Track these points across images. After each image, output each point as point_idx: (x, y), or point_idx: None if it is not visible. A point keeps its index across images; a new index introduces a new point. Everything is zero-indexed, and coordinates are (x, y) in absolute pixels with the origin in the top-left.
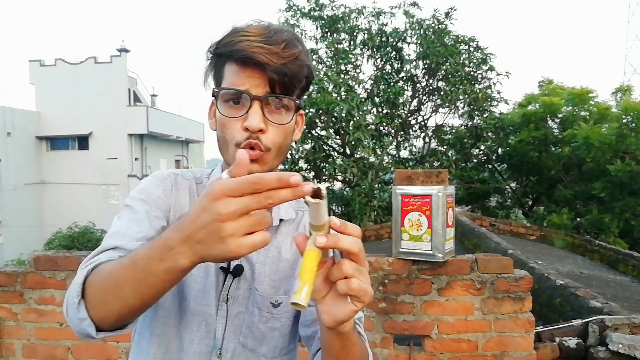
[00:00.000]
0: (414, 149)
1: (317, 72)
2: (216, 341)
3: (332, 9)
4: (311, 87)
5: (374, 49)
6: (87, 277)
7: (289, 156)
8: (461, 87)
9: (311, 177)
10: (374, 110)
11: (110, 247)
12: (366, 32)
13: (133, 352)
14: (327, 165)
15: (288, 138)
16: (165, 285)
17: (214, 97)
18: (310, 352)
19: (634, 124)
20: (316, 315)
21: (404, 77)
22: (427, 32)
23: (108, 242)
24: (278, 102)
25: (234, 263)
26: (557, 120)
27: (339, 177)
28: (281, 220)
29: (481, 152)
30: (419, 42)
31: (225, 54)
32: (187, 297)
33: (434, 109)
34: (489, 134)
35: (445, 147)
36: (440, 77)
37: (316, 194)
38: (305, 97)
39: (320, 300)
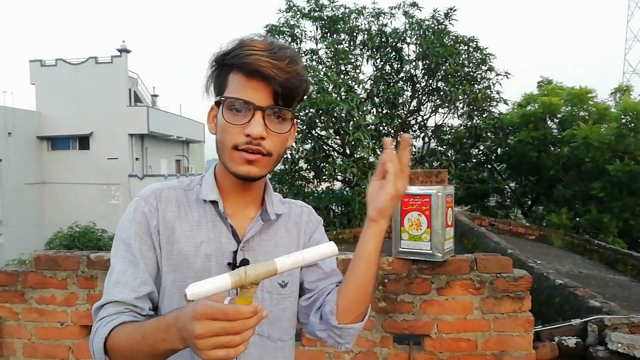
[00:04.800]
0: (414, 149)
1: (317, 73)
2: None
3: (332, 9)
4: (311, 87)
5: (374, 50)
6: (107, 338)
7: (289, 156)
8: (460, 87)
9: (311, 177)
10: (374, 110)
11: (114, 300)
12: (366, 32)
13: None
14: (327, 165)
15: (285, 146)
16: (169, 354)
17: (215, 103)
18: (314, 307)
19: (633, 124)
20: (333, 267)
21: (404, 78)
22: (426, 33)
23: (112, 292)
24: (278, 112)
25: (239, 257)
26: (556, 121)
27: (339, 177)
28: (277, 214)
29: (480, 152)
30: (418, 42)
31: (234, 64)
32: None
33: (433, 109)
34: (488, 134)
35: (444, 147)
36: (440, 78)
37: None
38: (305, 97)
39: (371, 201)
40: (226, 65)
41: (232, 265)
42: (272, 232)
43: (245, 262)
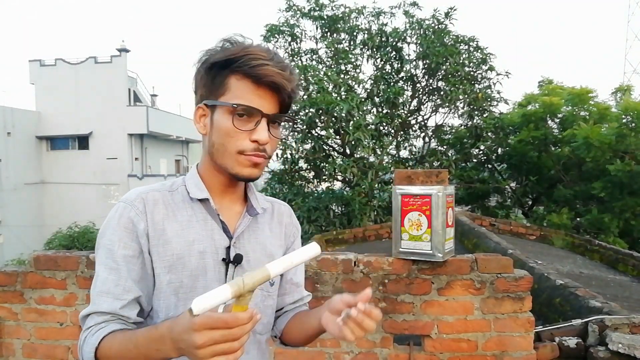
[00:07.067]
0: (414, 149)
1: (317, 72)
2: None
3: (332, 9)
4: (311, 87)
5: (374, 49)
6: (97, 348)
7: (288, 156)
8: (461, 87)
9: (311, 177)
10: (374, 110)
11: (99, 311)
12: (366, 32)
13: None
14: (327, 165)
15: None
16: None
17: (207, 105)
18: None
19: (633, 124)
20: (299, 280)
21: (404, 77)
22: (427, 32)
23: (97, 302)
24: (278, 119)
25: (232, 253)
26: (557, 120)
27: (339, 177)
28: (263, 209)
29: (481, 152)
30: (418, 42)
31: (240, 71)
32: (190, 299)
33: (433, 108)
34: (489, 133)
35: (445, 147)
36: (440, 77)
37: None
38: (305, 97)
39: (331, 313)
40: (227, 69)
41: (227, 261)
42: (260, 230)
43: (238, 257)
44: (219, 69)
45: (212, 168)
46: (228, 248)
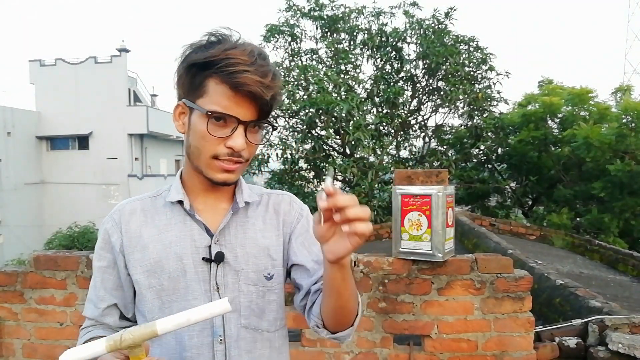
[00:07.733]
0: (414, 149)
1: (317, 72)
2: (215, 329)
3: (332, 9)
4: (311, 87)
5: (374, 49)
6: None
7: (288, 156)
8: (461, 87)
9: (311, 177)
10: (374, 110)
11: (86, 316)
12: (366, 32)
13: None
14: (327, 165)
15: (257, 149)
16: None
17: (183, 103)
18: (307, 305)
19: (633, 124)
20: (320, 258)
21: (404, 77)
22: (427, 32)
23: (85, 306)
24: (256, 125)
25: (214, 251)
26: (557, 120)
27: (339, 177)
28: (246, 202)
29: (481, 152)
30: (418, 42)
31: (220, 75)
32: (174, 300)
33: (433, 108)
34: (489, 133)
35: (445, 147)
36: (440, 77)
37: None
38: (305, 97)
39: (325, 242)
40: (206, 70)
41: (208, 260)
42: (250, 224)
43: (219, 255)
44: (198, 69)
45: (192, 169)
46: (210, 247)
